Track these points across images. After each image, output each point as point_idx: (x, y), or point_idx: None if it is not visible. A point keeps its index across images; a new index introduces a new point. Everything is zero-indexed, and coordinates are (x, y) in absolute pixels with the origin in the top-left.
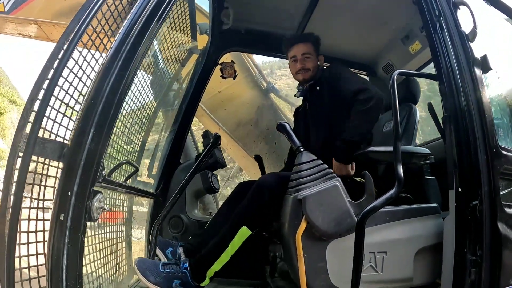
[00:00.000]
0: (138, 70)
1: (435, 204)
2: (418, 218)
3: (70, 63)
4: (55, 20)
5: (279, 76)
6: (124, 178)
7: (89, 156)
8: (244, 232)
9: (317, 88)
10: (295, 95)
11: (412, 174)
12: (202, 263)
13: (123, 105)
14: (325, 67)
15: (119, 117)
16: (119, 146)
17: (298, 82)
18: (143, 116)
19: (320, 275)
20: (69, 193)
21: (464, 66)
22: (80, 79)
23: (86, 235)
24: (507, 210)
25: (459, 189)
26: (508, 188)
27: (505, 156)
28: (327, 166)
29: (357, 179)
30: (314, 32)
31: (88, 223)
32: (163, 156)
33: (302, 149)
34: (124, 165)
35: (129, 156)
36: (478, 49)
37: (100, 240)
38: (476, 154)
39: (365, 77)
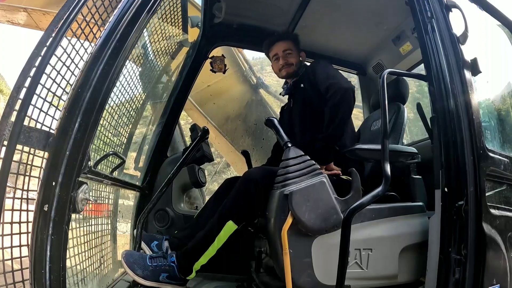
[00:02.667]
0: (127, 61)
1: (421, 203)
2: (403, 216)
3: (59, 51)
4: (44, 8)
5: (269, 72)
6: (110, 170)
7: (75, 146)
8: (230, 227)
9: (301, 85)
10: (280, 94)
11: (399, 172)
12: (189, 257)
13: (111, 96)
14: (308, 64)
15: (106, 109)
16: (106, 137)
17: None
18: (131, 108)
19: (305, 270)
20: (53, 183)
21: (454, 68)
22: (68, 67)
23: (70, 228)
24: (492, 211)
25: (445, 189)
26: (494, 189)
27: (491, 158)
28: (314, 162)
29: (344, 177)
30: (305, 28)
31: (73, 216)
32: (150, 149)
33: (289, 145)
34: (110, 157)
35: (116, 148)
36: (469, 51)
37: (85, 233)
38: (463, 155)
39: (355, 75)
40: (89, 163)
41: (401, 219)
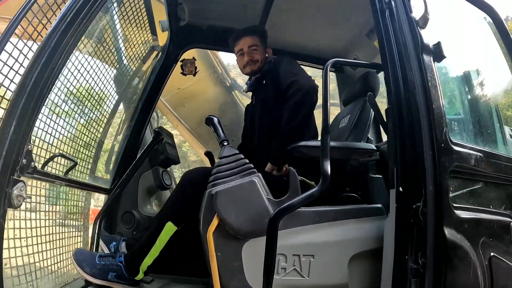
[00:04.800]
0: (95, 65)
1: (379, 205)
2: (355, 220)
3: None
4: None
5: None
6: (83, 173)
7: (11, 147)
8: (170, 228)
9: (264, 81)
10: (243, 90)
11: (358, 172)
12: (135, 257)
13: (80, 99)
14: (272, 60)
15: (71, 113)
16: (73, 142)
17: None
18: (98, 112)
19: (236, 275)
20: None
21: (412, 54)
22: (17, 72)
23: (30, 226)
24: (458, 212)
25: (400, 189)
26: (464, 188)
27: (457, 152)
28: (248, 161)
29: (300, 178)
30: (275, 26)
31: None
32: (118, 152)
33: (225, 143)
34: (84, 160)
35: (83, 151)
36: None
37: (49, 232)
38: (420, 150)
39: (332, 73)
40: (32, 163)
41: (352, 222)
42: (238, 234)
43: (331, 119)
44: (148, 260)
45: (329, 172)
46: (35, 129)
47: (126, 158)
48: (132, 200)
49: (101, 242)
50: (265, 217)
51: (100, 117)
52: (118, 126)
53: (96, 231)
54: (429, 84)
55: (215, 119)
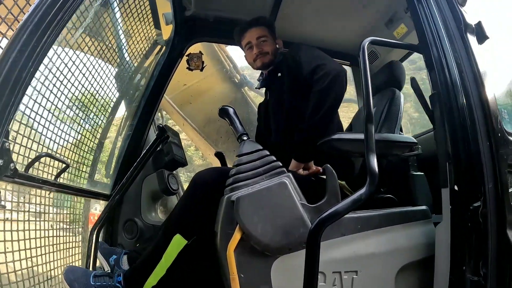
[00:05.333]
0: (94, 59)
1: (424, 207)
2: (401, 225)
3: None
4: None
5: None
6: (77, 177)
7: None
8: (178, 241)
9: (278, 74)
10: (256, 87)
11: (394, 169)
12: (137, 276)
13: (78, 97)
14: (285, 51)
15: (70, 114)
16: (67, 142)
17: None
18: (96, 110)
19: None
20: None
21: (455, 33)
22: None
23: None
24: None
25: (455, 187)
26: None
27: None
28: (275, 159)
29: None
30: (287, 16)
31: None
32: (119, 153)
33: (245, 138)
34: (81, 162)
35: (80, 153)
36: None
37: (39, 245)
38: (475, 141)
39: (348, 67)
40: (11, 165)
41: (397, 229)
42: (266, 250)
43: (352, 116)
44: (152, 281)
45: (376, 168)
46: (22, 127)
47: (128, 160)
48: (134, 207)
49: (99, 255)
50: (299, 227)
51: (98, 115)
52: (119, 126)
53: (94, 242)
54: (478, 65)
55: (231, 110)
